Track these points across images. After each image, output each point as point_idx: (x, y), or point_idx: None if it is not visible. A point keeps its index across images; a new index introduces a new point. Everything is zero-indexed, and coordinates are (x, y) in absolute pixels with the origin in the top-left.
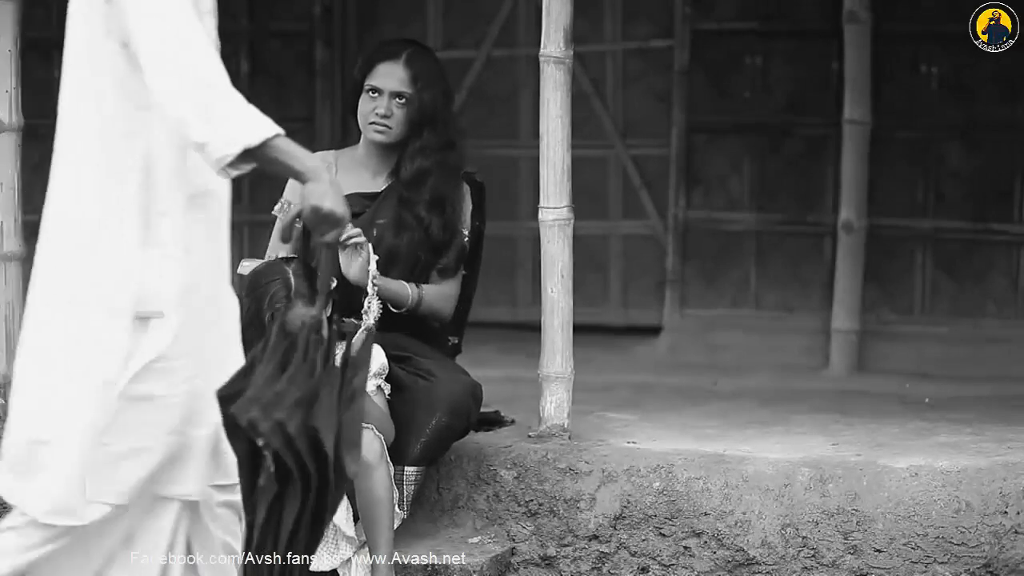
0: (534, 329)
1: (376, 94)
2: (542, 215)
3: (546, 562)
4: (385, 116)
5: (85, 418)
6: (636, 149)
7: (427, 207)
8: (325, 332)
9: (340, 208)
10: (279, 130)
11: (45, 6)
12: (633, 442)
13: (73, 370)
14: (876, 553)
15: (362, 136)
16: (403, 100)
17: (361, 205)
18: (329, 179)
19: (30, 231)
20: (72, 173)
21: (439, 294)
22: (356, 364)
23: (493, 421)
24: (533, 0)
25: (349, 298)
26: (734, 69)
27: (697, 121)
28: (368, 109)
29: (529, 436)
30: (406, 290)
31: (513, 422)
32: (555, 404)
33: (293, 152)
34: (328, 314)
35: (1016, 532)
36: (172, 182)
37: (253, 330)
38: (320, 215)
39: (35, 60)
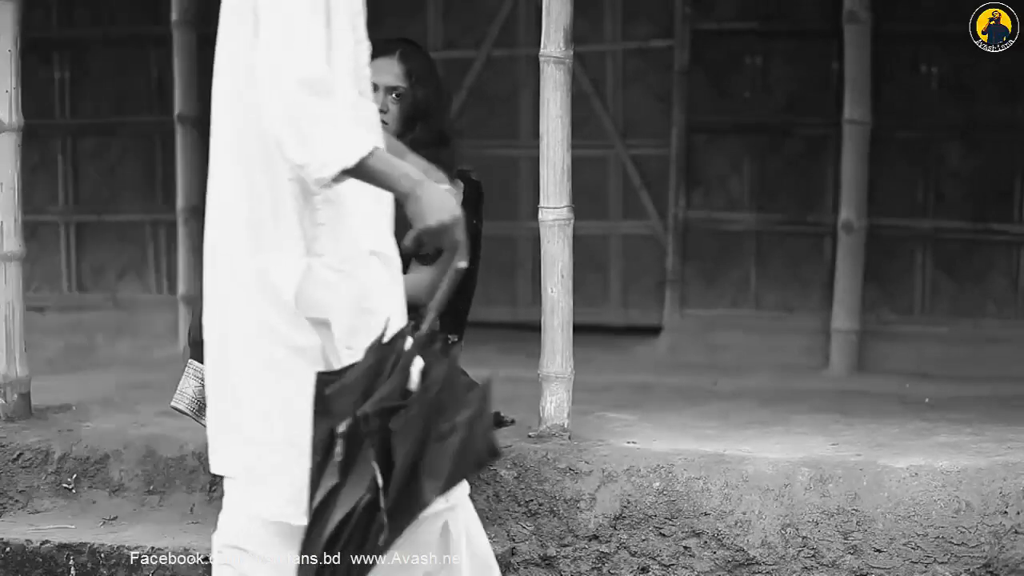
0: (534, 329)
1: (371, 89)
2: (542, 215)
3: (546, 562)
4: (381, 112)
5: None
6: (636, 149)
7: None
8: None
9: (445, 214)
10: (375, 145)
11: (45, 6)
12: (633, 442)
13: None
14: (876, 553)
15: None
16: (398, 95)
17: None
18: (426, 189)
19: (30, 231)
20: (230, 182)
21: (415, 281)
22: (463, 401)
23: (495, 422)
24: (533, 0)
25: None
26: (734, 69)
27: (697, 121)
28: None
29: (529, 436)
30: None
31: (513, 422)
32: (555, 404)
33: (388, 170)
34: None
35: (1016, 532)
36: (328, 193)
37: None
38: (431, 234)
39: (35, 60)
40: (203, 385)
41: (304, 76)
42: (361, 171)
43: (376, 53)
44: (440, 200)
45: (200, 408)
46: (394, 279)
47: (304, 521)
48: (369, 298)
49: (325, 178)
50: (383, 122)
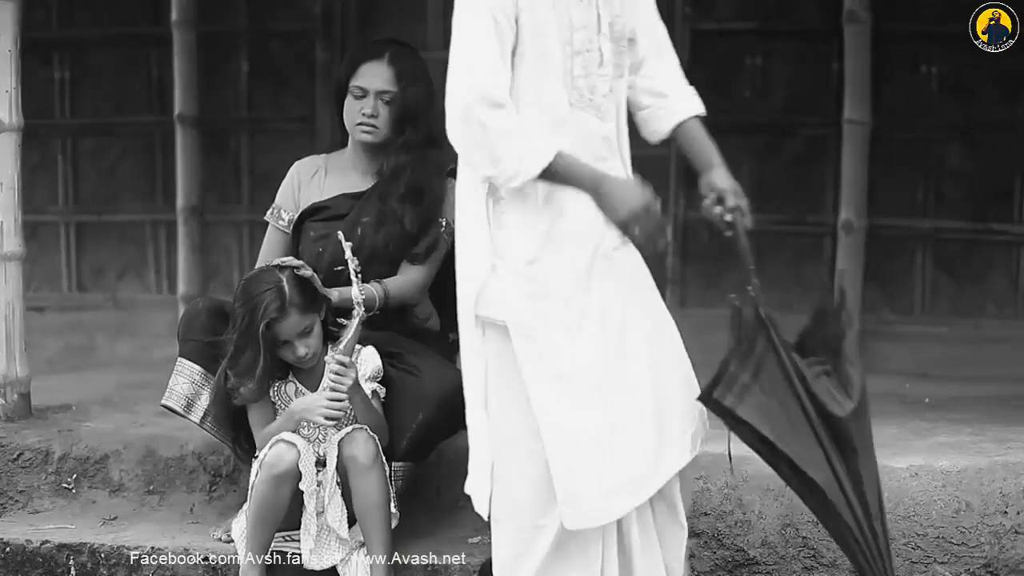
0: None
1: (362, 94)
2: None
3: None
4: (372, 116)
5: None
6: (636, 149)
7: (400, 199)
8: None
9: (631, 204)
10: (555, 151)
11: (45, 6)
12: None
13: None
14: None
15: (350, 137)
16: (388, 98)
17: (347, 206)
18: (607, 185)
19: (30, 231)
20: (459, 184)
21: (405, 282)
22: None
23: None
24: None
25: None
26: (734, 69)
27: None
28: (355, 110)
29: None
30: (370, 291)
31: None
32: None
33: (570, 172)
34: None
35: (1016, 532)
36: (513, 194)
37: (246, 340)
38: (623, 225)
39: (35, 60)
40: (193, 383)
41: (479, 94)
42: (546, 176)
43: (365, 57)
44: (623, 192)
45: (190, 406)
46: (583, 276)
47: (479, 509)
48: (545, 298)
49: (512, 187)
50: (374, 127)
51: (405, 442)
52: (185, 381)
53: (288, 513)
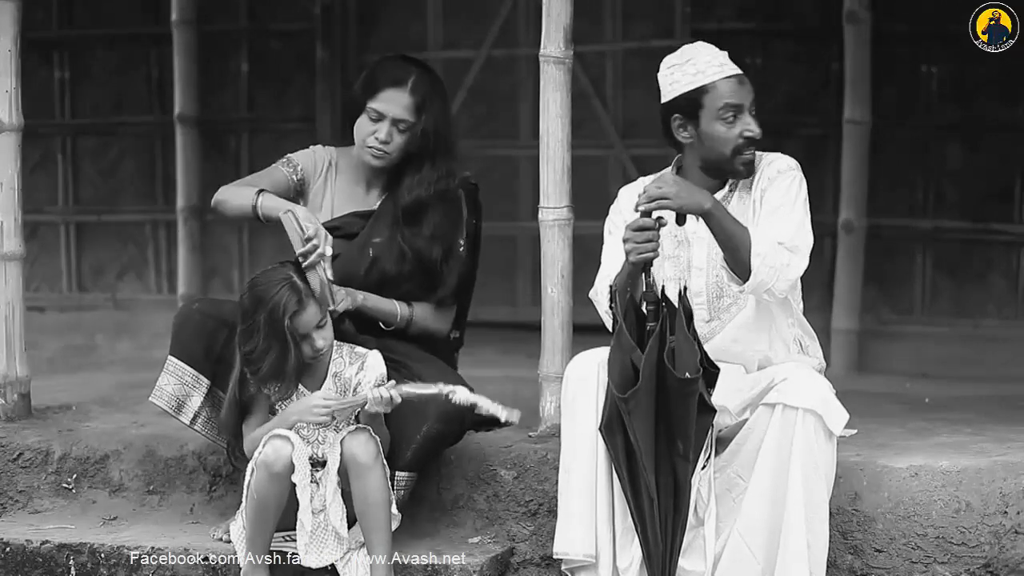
0: (534, 329)
1: (378, 118)
2: (542, 215)
3: (546, 562)
4: (384, 142)
5: None
6: (636, 149)
7: (428, 241)
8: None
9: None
10: None
11: (45, 6)
12: None
13: None
14: (876, 553)
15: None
16: (404, 127)
17: (357, 225)
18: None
19: (30, 231)
20: None
21: (435, 317)
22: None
23: (493, 420)
24: (533, 0)
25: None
26: None
27: None
28: (367, 132)
29: (529, 436)
30: (394, 307)
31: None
32: (555, 404)
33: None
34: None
35: (1016, 532)
36: None
37: (270, 341)
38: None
39: (35, 60)
40: (183, 384)
41: None
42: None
43: (387, 82)
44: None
45: (180, 406)
46: None
47: None
48: None
49: None
50: (385, 152)
51: (409, 453)
52: (174, 381)
53: (286, 511)
